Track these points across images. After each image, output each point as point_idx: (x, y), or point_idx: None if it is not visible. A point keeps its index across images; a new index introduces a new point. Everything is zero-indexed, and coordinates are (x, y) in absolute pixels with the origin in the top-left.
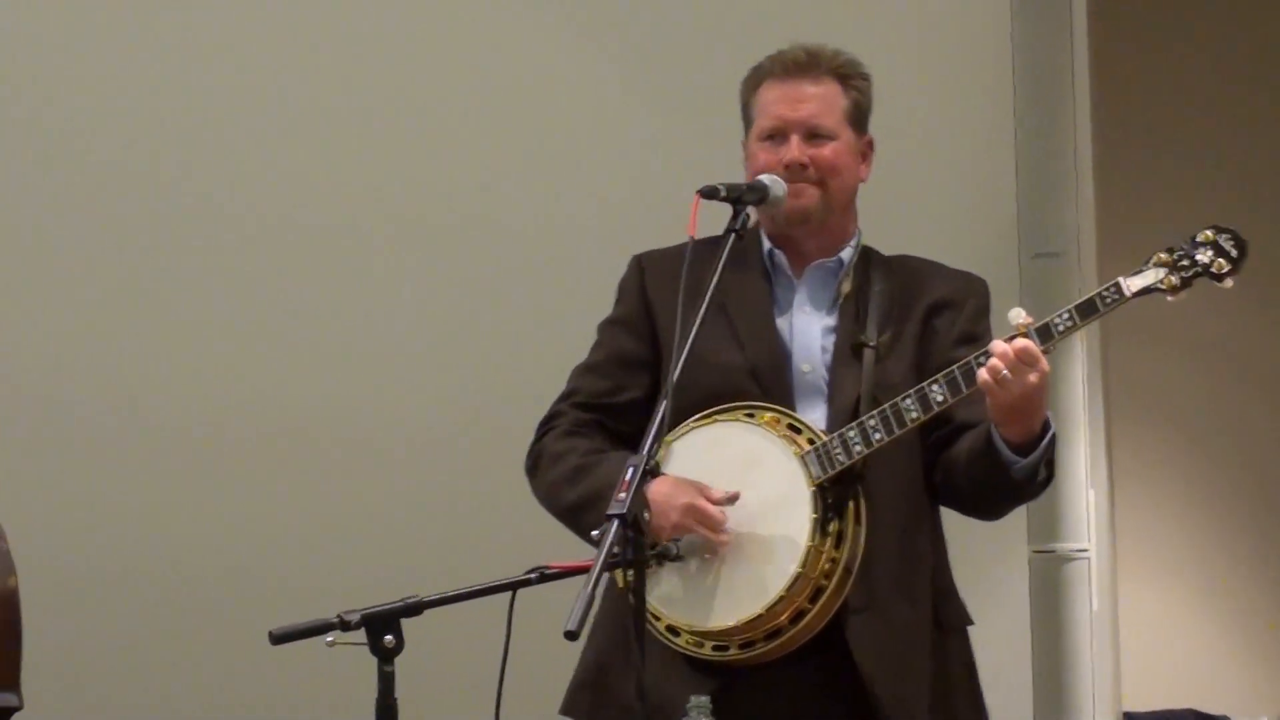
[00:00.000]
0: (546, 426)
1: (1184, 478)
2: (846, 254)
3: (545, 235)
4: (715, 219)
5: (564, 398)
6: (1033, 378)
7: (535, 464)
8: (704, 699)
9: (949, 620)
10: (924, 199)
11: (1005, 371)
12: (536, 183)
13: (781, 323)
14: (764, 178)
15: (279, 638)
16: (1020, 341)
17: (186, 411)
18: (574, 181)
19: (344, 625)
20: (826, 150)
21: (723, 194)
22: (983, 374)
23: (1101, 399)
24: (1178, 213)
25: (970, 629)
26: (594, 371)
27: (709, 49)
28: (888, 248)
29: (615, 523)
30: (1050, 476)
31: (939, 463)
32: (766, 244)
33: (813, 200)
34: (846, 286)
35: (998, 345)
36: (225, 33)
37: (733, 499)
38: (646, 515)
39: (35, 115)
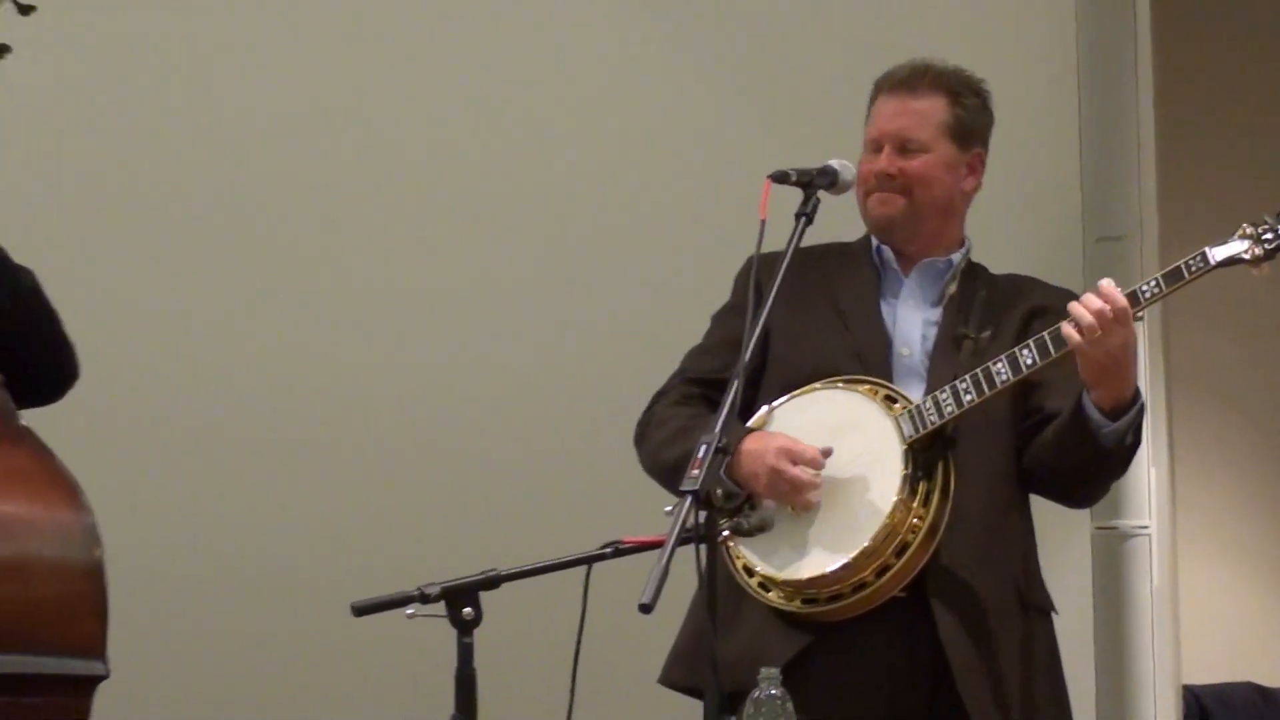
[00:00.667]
0: (657, 398)
1: (1243, 457)
2: (956, 257)
3: (619, 223)
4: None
5: (676, 375)
6: (1120, 336)
7: (643, 431)
8: (774, 670)
9: (1033, 601)
10: (992, 186)
11: (1096, 326)
12: (611, 172)
13: (886, 311)
14: (834, 162)
15: (361, 610)
16: (1113, 297)
17: (259, 393)
18: (648, 172)
19: (424, 599)
20: (915, 162)
21: (793, 178)
22: (1070, 330)
23: (1163, 381)
24: (1238, 198)
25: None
26: (705, 352)
27: (784, 45)
28: None
29: (688, 499)
30: (1136, 445)
31: (1029, 448)
32: (875, 240)
33: (895, 208)
34: (952, 289)
35: (1087, 301)
36: (294, 30)
37: (826, 453)
38: (719, 491)
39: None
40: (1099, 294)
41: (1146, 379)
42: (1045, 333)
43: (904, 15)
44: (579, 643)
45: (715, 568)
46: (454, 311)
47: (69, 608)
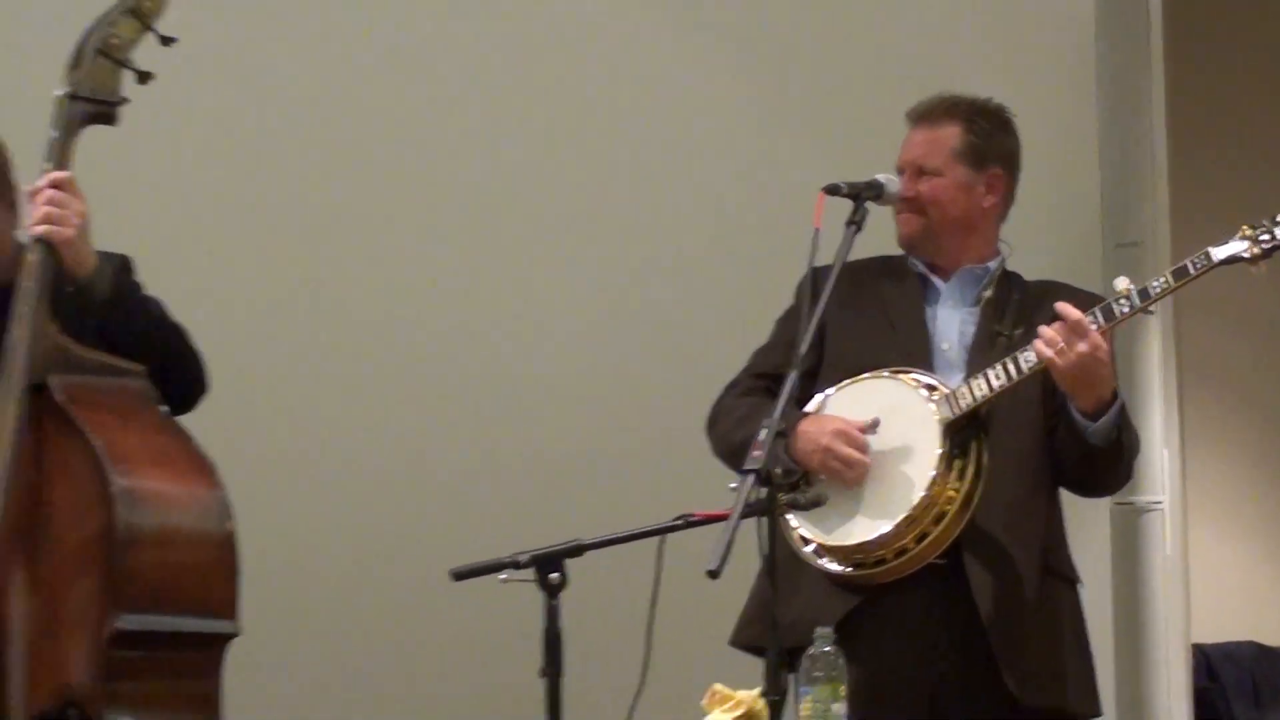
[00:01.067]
0: (726, 390)
1: (1247, 439)
2: (992, 265)
3: (682, 230)
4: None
5: (743, 370)
6: (1082, 346)
7: (714, 417)
8: (828, 630)
9: (1058, 570)
10: (1020, 198)
11: (1058, 339)
12: (680, 181)
13: (928, 313)
14: (880, 176)
15: (460, 574)
16: (1070, 318)
17: (368, 373)
18: (714, 182)
19: (516, 565)
20: (926, 186)
21: (844, 190)
22: (1039, 345)
23: (1175, 371)
24: (1241, 207)
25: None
26: (768, 350)
27: (826, 68)
28: None
29: (751, 477)
30: (1133, 444)
31: (1055, 440)
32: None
33: (913, 227)
34: (988, 292)
35: (1045, 329)
36: (414, 35)
37: (874, 424)
38: (779, 469)
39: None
40: (1062, 311)
41: (1159, 369)
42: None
43: (935, 40)
44: (653, 605)
45: (775, 538)
46: (544, 313)
47: (206, 573)
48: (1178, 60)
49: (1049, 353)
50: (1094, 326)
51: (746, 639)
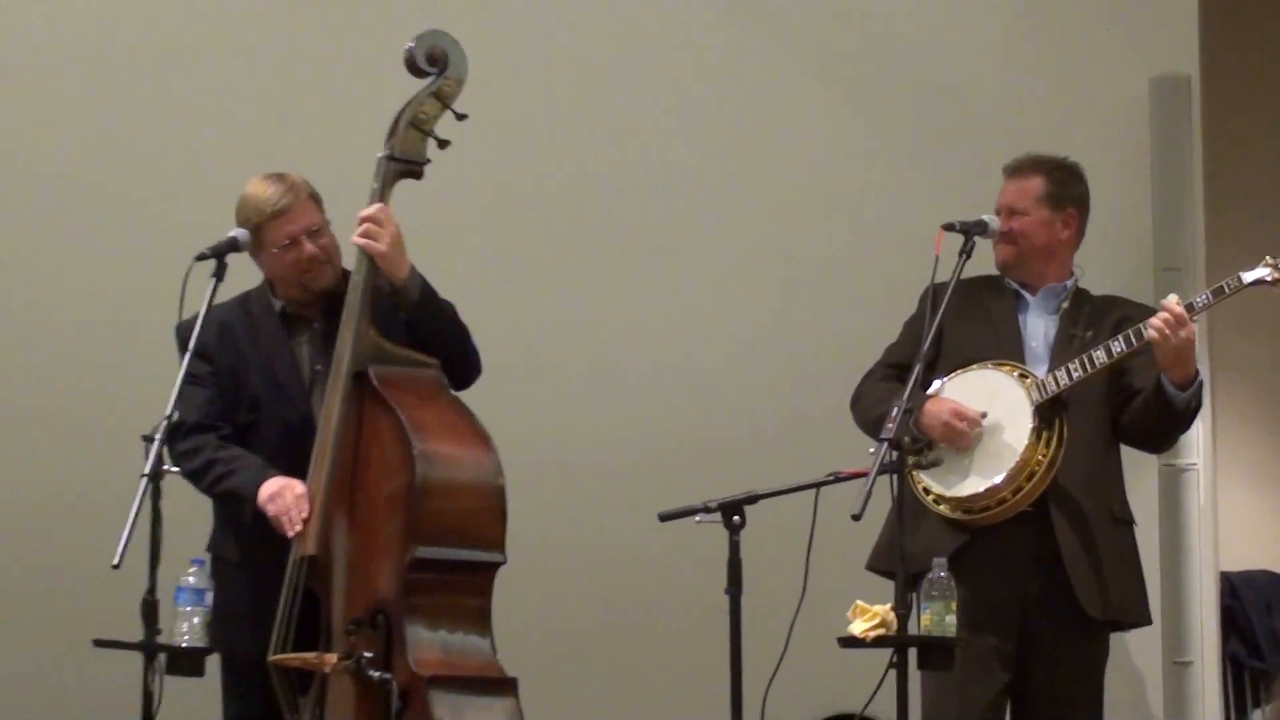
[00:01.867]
0: (866, 378)
1: (1263, 416)
2: (1070, 283)
3: (842, 255)
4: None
5: (878, 362)
6: (1184, 333)
7: (856, 399)
8: (943, 559)
9: (1121, 516)
10: (1089, 232)
11: (1165, 327)
12: (847, 225)
13: (1021, 319)
14: (986, 217)
15: (665, 516)
16: (1177, 309)
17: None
18: (852, 219)
19: (707, 510)
20: (1017, 223)
21: (957, 228)
22: (1153, 328)
23: (1207, 364)
24: (1265, 243)
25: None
26: (898, 347)
27: (934, 125)
28: None
29: (885, 444)
30: (1198, 408)
31: (1125, 414)
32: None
33: (1008, 255)
34: (1066, 304)
35: (1164, 311)
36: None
37: (983, 415)
38: (907, 438)
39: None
40: (1168, 307)
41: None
42: (1130, 330)
43: (1022, 106)
44: (810, 540)
45: (904, 490)
46: (724, 318)
47: (482, 516)
48: (1213, 126)
49: (1157, 335)
50: (1189, 316)
51: (879, 565)
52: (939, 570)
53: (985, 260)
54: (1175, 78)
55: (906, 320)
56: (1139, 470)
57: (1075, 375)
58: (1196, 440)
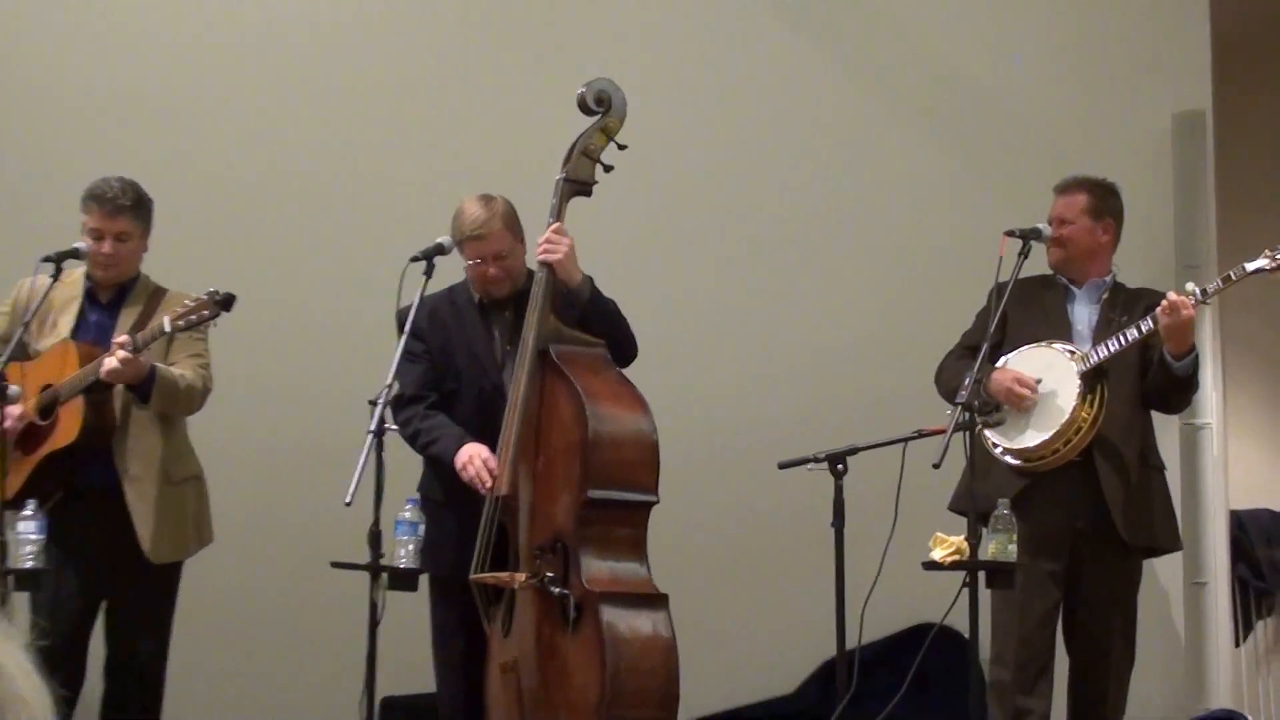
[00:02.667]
0: (946, 356)
1: (1264, 383)
2: (1109, 279)
3: (921, 259)
4: None
5: (957, 344)
6: (1183, 314)
7: (939, 372)
8: (1006, 500)
9: (1153, 463)
10: (1126, 238)
11: (1165, 313)
12: (918, 236)
13: (1069, 308)
14: (1040, 225)
15: (785, 465)
16: (1174, 298)
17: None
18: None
19: (816, 460)
20: (1065, 230)
21: (1017, 234)
22: (1158, 311)
23: (1220, 342)
24: (1265, 240)
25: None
26: (972, 332)
27: (994, 146)
28: None
29: (959, 407)
30: (1195, 376)
31: (1144, 379)
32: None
33: (1058, 257)
34: (1105, 295)
35: (1169, 299)
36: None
37: (1038, 380)
38: (977, 402)
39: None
40: (1168, 297)
41: (1210, 341)
42: (1150, 314)
43: (1067, 133)
44: (899, 484)
45: (975, 444)
46: (829, 310)
47: (640, 465)
48: (1224, 152)
49: (1160, 316)
50: (1191, 304)
51: (959, 507)
52: (1002, 508)
53: (1039, 261)
54: (1194, 113)
55: (978, 312)
56: (1164, 429)
57: (1112, 349)
58: (1210, 403)
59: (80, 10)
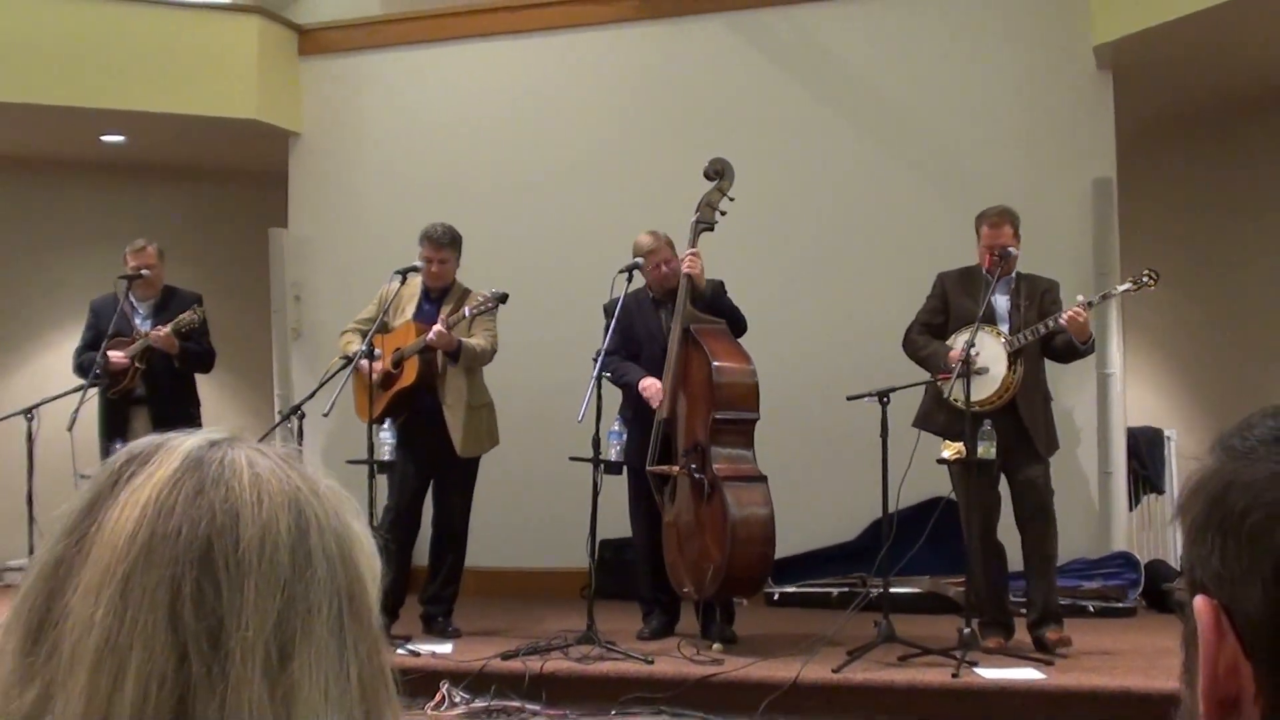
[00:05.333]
0: (909, 330)
1: (1155, 349)
2: (1017, 273)
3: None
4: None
5: (914, 320)
6: (1081, 320)
7: (905, 341)
8: (989, 420)
9: (1048, 397)
10: (1056, 244)
11: (1075, 319)
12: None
13: (992, 297)
14: (1011, 249)
15: (851, 398)
16: (1077, 310)
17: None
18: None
19: (870, 395)
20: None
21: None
22: (1066, 317)
23: (1122, 320)
24: (1151, 264)
25: (1053, 403)
26: (926, 312)
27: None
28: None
29: (960, 364)
30: (1092, 349)
31: (1050, 352)
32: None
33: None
34: (1014, 284)
35: (1071, 311)
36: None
37: (977, 354)
38: (941, 369)
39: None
40: (1074, 309)
41: (1115, 318)
42: (1055, 316)
43: (1023, 187)
44: (919, 411)
45: (969, 386)
46: (875, 307)
47: (748, 395)
48: (1125, 201)
49: (1069, 321)
50: (1086, 311)
51: (918, 425)
52: (987, 424)
53: (968, 253)
54: (1104, 180)
55: (929, 294)
56: (1084, 377)
57: (1029, 337)
58: (1115, 360)
59: (411, 119)
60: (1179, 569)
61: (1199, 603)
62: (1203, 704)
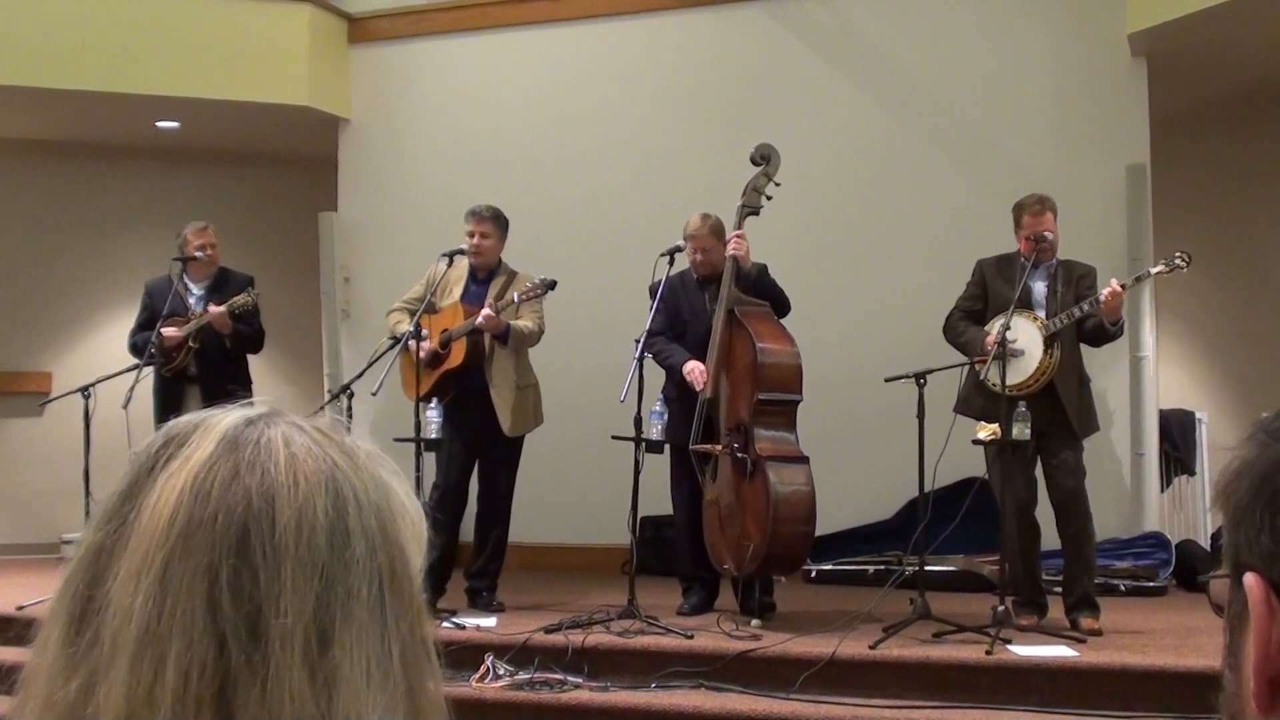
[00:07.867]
0: (949, 315)
1: (1184, 332)
2: (1056, 261)
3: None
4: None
5: (955, 306)
6: (1116, 301)
7: (945, 326)
8: (1024, 402)
9: (1085, 380)
10: (1091, 235)
11: (1111, 299)
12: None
13: (1029, 282)
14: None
15: (890, 379)
16: (1114, 289)
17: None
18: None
19: (907, 376)
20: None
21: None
22: (1103, 298)
23: (1155, 304)
24: (1185, 244)
25: (1093, 385)
26: (965, 299)
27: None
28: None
29: (998, 346)
30: (1120, 333)
31: (1084, 335)
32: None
33: (1030, 249)
34: (1053, 272)
35: (1110, 289)
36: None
37: (1004, 330)
38: (979, 354)
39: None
40: (1111, 287)
41: (1148, 302)
42: (1093, 297)
43: (1061, 175)
44: (957, 392)
45: (1004, 368)
46: (913, 294)
47: (792, 377)
48: (1159, 187)
49: (1106, 299)
50: (1123, 292)
51: (958, 410)
52: (1022, 406)
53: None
54: (1139, 165)
55: (969, 281)
56: (1116, 359)
57: (1065, 321)
58: (1148, 344)
59: (458, 105)
60: (1209, 549)
61: (1250, 580)
62: (1253, 682)
